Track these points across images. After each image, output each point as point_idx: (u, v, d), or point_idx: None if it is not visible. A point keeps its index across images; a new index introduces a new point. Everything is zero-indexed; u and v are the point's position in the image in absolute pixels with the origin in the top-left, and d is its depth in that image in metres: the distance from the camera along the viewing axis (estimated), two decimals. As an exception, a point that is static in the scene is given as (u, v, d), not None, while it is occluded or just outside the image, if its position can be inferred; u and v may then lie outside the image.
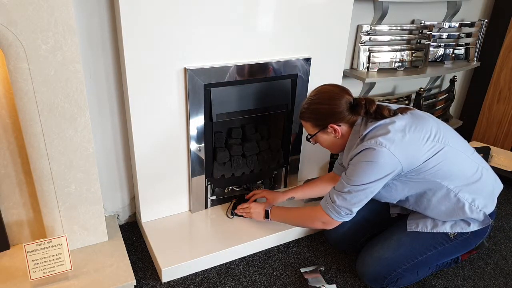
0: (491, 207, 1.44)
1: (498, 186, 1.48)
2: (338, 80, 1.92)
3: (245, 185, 1.95)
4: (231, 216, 1.82)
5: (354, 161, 1.35)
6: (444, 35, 2.30)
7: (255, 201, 1.80)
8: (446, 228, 1.45)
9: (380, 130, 1.32)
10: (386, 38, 2.10)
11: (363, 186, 1.33)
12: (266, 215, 1.68)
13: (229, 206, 1.87)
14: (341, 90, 1.42)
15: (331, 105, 1.39)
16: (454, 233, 1.45)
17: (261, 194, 1.82)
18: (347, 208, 1.38)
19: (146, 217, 1.76)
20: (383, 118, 1.36)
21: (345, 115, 1.39)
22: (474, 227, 1.44)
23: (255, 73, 1.64)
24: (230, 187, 1.93)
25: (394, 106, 1.45)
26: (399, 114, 1.38)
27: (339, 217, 1.41)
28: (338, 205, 1.38)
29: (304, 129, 1.50)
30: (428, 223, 1.48)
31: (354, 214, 1.41)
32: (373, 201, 1.66)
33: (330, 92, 1.41)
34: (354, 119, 1.41)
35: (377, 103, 1.40)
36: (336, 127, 1.41)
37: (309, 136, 1.50)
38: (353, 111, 1.39)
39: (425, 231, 1.47)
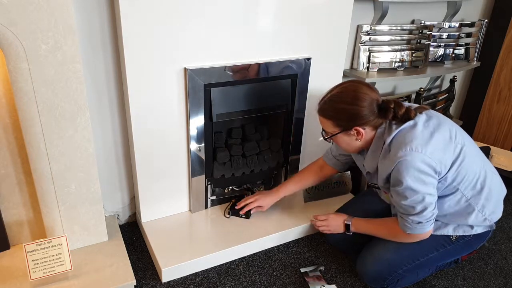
0: (498, 213, 1.43)
1: (503, 190, 1.47)
2: (338, 80, 1.92)
3: (245, 185, 1.95)
4: (228, 216, 1.82)
5: (396, 181, 1.28)
6: (444, 35, 2.30)
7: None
8: (449, 231, 1.44)
9: (407, 136, 1.27)
10: (386, 38, 2.10)
11: (422, 196, 1.27)
12: (348, 229, 1.59)
13: (227, 206, 1.87)
14: (369, 89, 1.30)
15: (359, 106, 1.28)
16: (456, 236, 1.44)
17: (254, 203, 1.74)
18: (427, 219, 1.32)
19: (146, 217, 1.76)
20: (408, 120, 1.30)
21: (371, 118, 1.30)
22: (477, 230, 1.43)
23: (255, 73, 1.64)
24: (230, 187, 1.93)
25: (412, 106, 1.39)
26: (419, 114, 1.32)
27: (429, 227, 1.36)
28: (421, 222, 1.33)
29: (321, 126, 1.42)
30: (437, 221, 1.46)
31: (435, 216, 1.35)
32: (373, 202, 1.67)
33: (357, 91, 1.29)
34: (380, 123, 1.32)
35: (405, 105, 1.32)
36: (361, 130, 1.32)
37: (326, 135, 1.41)
38: (381, 115, 1.30)
39: None
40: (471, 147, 1.35)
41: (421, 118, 1.31)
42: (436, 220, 1.43)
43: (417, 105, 1.40)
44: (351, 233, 1.58)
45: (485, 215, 1.39)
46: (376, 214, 1.59)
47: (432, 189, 1.29)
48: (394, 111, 1.29)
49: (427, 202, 1.29)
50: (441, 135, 1.29)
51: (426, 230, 1.36)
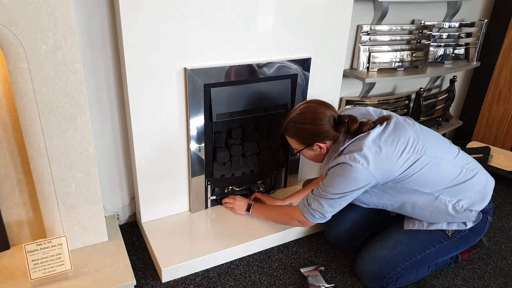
0: (480, 205, 1.43)
1: (490, 182, 1.47)
2: (338, 80, 1.92)
3: (245, 185, 1.95)
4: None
5: (331, 172, 1.40)
6: (444, 35, 2.30)
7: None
8: (443, 226, 1.46)
9: (356, 145, 1.36)
10: (386, 38, 2.10)
11: (337, 195, 1.39)
12: (248, 209, 1.77)
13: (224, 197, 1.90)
14: (325, 107, 1.43)
15: (317, 125, 1.41)
16: (452, 231, 1.46)
17: (261, 196, 1.86)
18: (320, 213, 1.45)
19: (146, 217, 1.76)
20: (361, 133, 1.38)
21: (329, 133, 1.42)
22: (469, 224, 1.45)
23: (255, 73, 1.64)
24: (230, 187, 1.93)
25: (375, 114, 1.48)
26: (378, 125, 1.39)
27: (313, 219, 1.48)
28: (313, 208, 1.45)
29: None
30: (424, 221, 1.48)
31: (327, 219, 1.48)
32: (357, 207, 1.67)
33: (315, 112, 1.42)
34: (338, 135, 1.44)
35: (360, 120, 1.41)
36: (321, 145, 1.45)
37: (294, 151, 1.55)
38: (336, 128, 1.42)
39: (422, 229, 1.48)
40: (436, 154, 1.39)
41: (376, 131, 1.38)
42: (426, 221, 1.49)
43: (383, 115, 1.47)
44: (250, 214, 1.78)
45: (464, 207, 1.41)
46: (376, 212, 1.60)
47: (350, 195, 1.39)
48: (347, 125, 1.40)
49: (333, 199, 1.40)
50: (391, 148, 1.34)
51: (307, 217, 1.49)
